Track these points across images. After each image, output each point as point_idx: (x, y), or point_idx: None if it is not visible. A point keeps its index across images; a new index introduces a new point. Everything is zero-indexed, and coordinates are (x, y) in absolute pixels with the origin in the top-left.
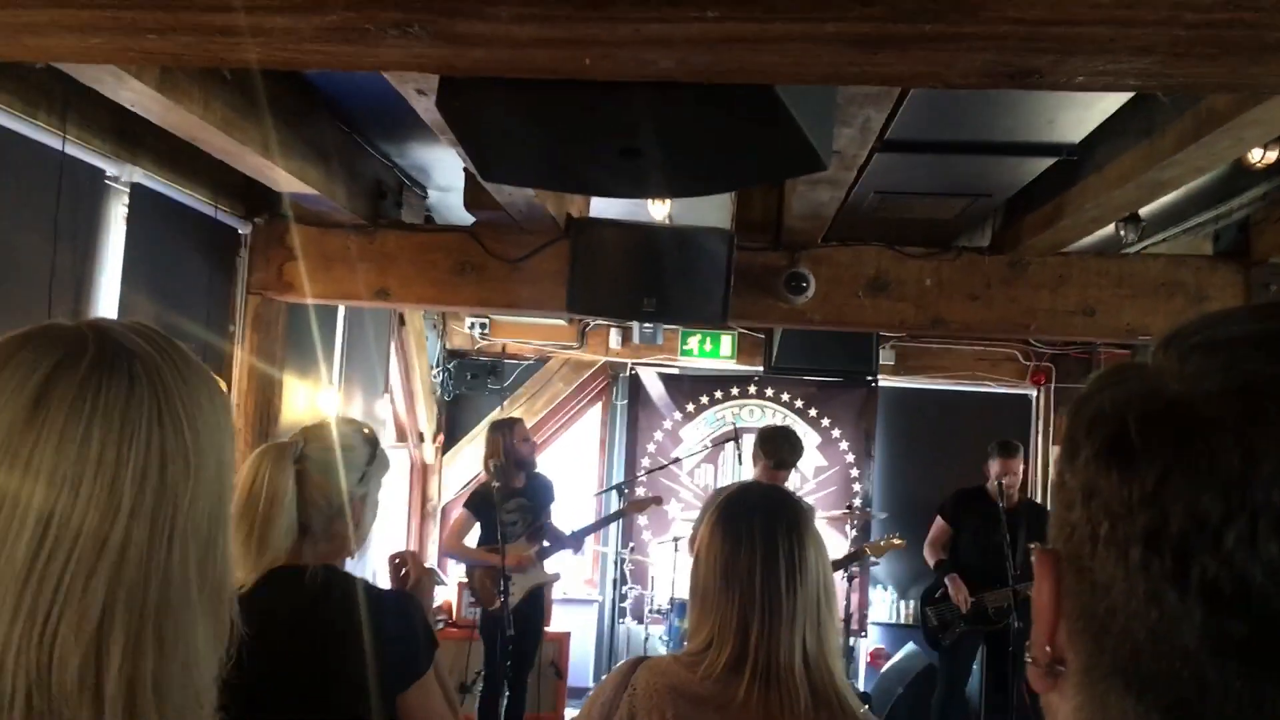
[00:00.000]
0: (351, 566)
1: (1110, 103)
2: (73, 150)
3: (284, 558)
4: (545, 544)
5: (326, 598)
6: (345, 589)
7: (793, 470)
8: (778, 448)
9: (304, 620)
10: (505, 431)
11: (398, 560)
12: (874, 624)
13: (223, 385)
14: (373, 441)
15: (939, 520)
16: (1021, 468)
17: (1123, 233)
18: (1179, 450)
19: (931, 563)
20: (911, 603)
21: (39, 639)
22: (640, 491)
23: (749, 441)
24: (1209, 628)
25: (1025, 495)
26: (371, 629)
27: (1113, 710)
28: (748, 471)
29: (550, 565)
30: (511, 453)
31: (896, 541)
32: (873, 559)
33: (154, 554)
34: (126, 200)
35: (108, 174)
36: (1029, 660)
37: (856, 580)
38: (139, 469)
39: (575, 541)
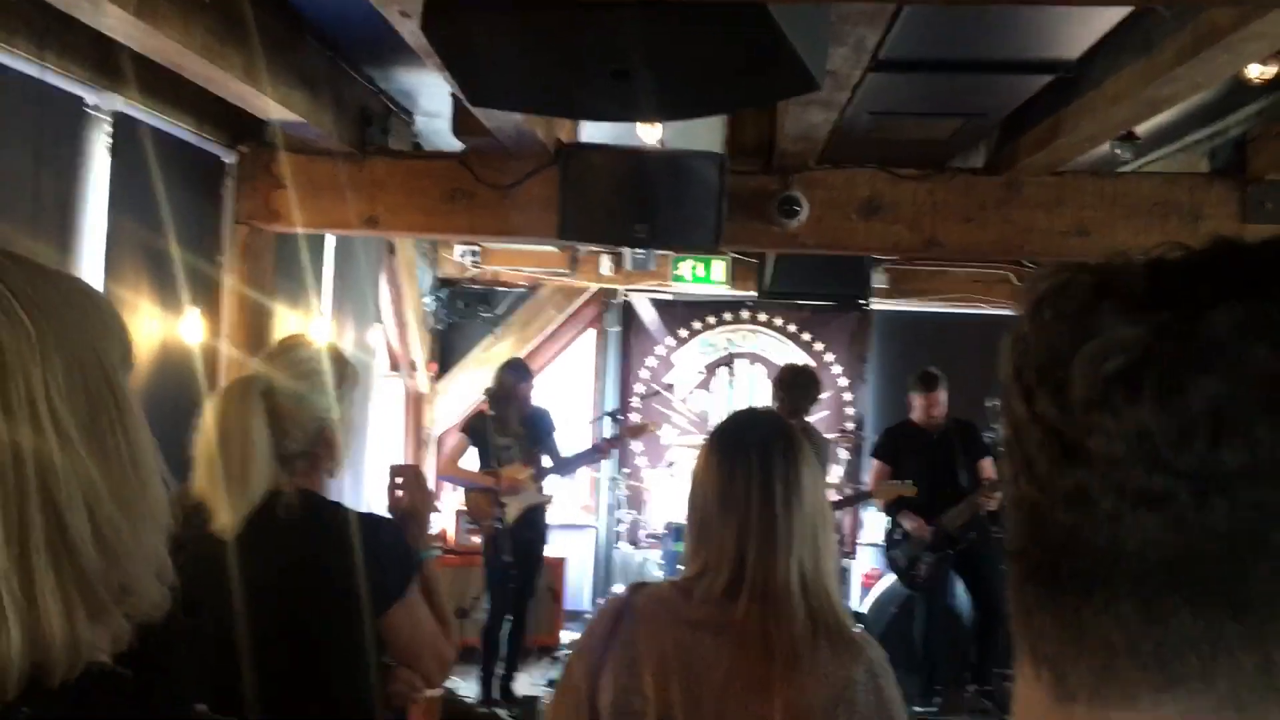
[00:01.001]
0: (349, 489)
1: (1109, 17)
2: (52, 79)
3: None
4: (541, 466)
5: (297, 523)
6: (318, 513)
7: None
8: (792, 393)
9: (277, 546)
10: (508, 375)
11: (397, 478)
12: (867, 545)
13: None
14: (340, 360)
15: (876, 463)
16: (944, 396)
17: (1118, 151)
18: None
19: (880, 505)
20: None
21: None
22: (634, 418)
23: (742, 366)
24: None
25: (949, 416)
26: (342, 553)
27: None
28: (741, 396)
29: (545, 488)
30: (514, 395)
31: (906, 490)
32: (875, 500)
33: (15, 419)
34: (109, 129)
35: (88, 103)
36: None
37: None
38: None
39: (568, 468)
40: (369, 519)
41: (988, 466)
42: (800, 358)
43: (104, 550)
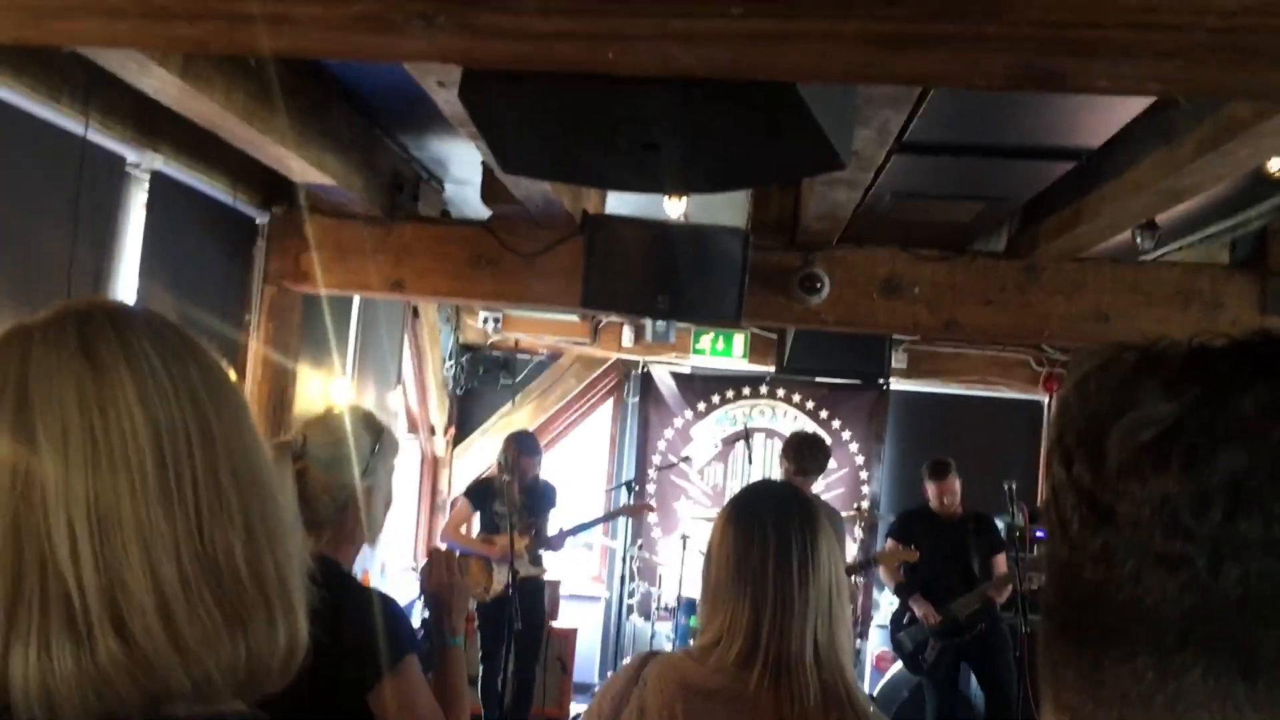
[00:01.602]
0: (360, 557)
1: (1130, 108)
2: (94, 137)
3: None
4: (536, 537)
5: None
6: (328, 582)
7: (817, 477)
8: (799, 454)
9: None
10: (512, 446)
11: (433, 561)
12: (879, 626)
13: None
14: (376, 429)
15: (891, 543)
16: (957, 484)
17: (1139, 239)
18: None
19: (891, 587)
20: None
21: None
22: (650, 489)
23: (759, 441)
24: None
25: (967, 508)
26: (335, 622)
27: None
28: (758, 471)
29: (546, 561)
30: (517, 467)
31: (909, 555)
32: (881, 568)
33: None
34: (146, 188)
35: (129, 161)
36: None
37: (862, 584)
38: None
39: (559, 541)
40: (370, 594)
41: (1001, 563)
42: (816, 434)
43: (290, 569)
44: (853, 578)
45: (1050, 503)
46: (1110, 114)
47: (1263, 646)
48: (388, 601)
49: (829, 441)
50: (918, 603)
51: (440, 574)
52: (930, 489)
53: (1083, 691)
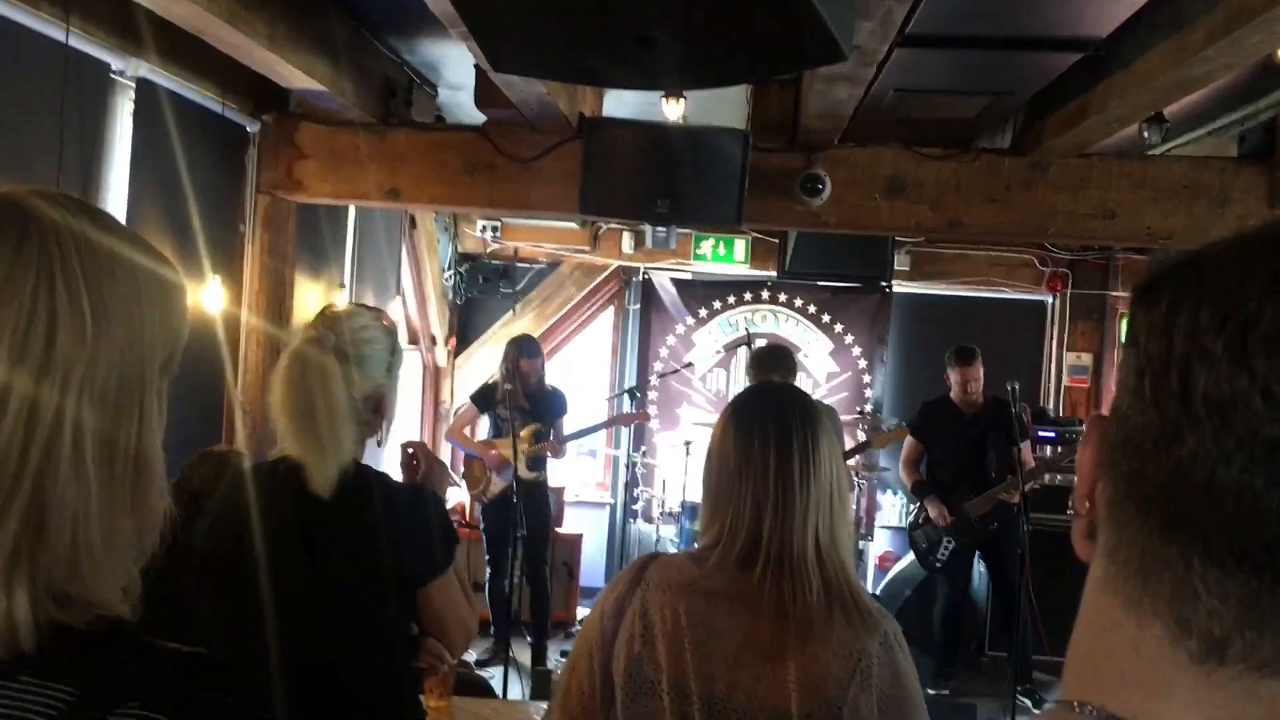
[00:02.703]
0: (368, 460)
1: None
2: (77, 43)
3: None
4: (536, 442)
5: (355, 492)
6: (373, 483)
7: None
8: (758, 365)
9: (332, 514)
10: (512, 349)
11: (410, 450)
12: (883, 528)
13: (166, 278)
14: (392, 331)
15: (910, 441)
16: (981, 372)
17: (1146, 134)
18: (1189, 278)
19: (909, 483)
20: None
21: None
22: (652, 396)
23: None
24: (1209, 438)
25: (989, 396)
26: (393, 524)
27: (1125, 534)
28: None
29: (552, 467)
30: (518, 371)
31: (899, 432)
32: (878, 450)
33: (35, 420)
34: (133, 96)
35: (113, 68)
36: (1070, 514)
37: (865, 484)
38: (20, 331)
39: (559, 448)
40: (425, 493)
41: (1025, 450)
42: (820, 339)
43: (71, 568)
44: (852, 461)
45: (1220, 416)
46: (1119, 1)
47: None
48: (439, 501)
49: (831, 347)
50: (932, 503)
51: (428, 461)
52: (954, 376)
53: (1224, 613)
